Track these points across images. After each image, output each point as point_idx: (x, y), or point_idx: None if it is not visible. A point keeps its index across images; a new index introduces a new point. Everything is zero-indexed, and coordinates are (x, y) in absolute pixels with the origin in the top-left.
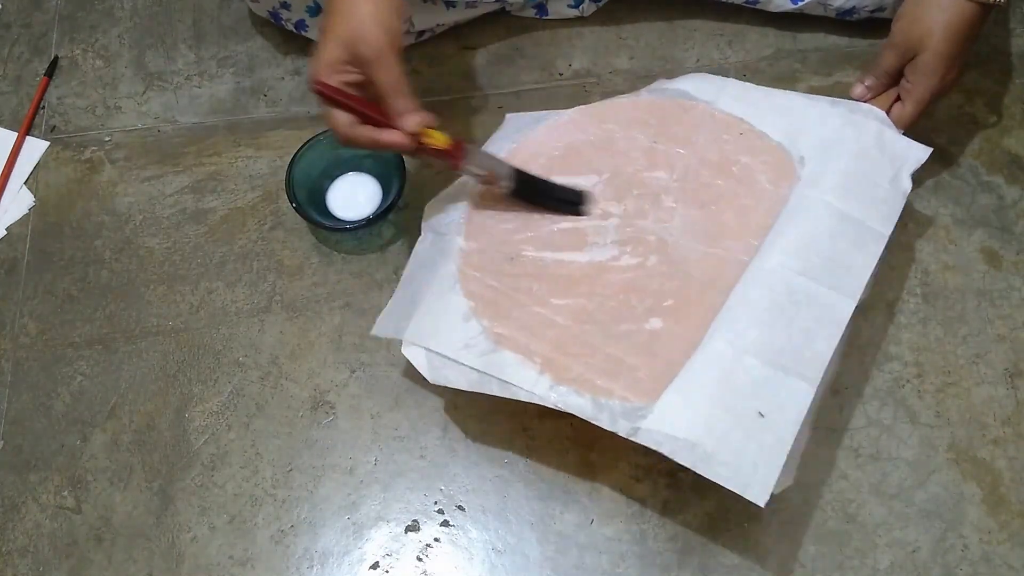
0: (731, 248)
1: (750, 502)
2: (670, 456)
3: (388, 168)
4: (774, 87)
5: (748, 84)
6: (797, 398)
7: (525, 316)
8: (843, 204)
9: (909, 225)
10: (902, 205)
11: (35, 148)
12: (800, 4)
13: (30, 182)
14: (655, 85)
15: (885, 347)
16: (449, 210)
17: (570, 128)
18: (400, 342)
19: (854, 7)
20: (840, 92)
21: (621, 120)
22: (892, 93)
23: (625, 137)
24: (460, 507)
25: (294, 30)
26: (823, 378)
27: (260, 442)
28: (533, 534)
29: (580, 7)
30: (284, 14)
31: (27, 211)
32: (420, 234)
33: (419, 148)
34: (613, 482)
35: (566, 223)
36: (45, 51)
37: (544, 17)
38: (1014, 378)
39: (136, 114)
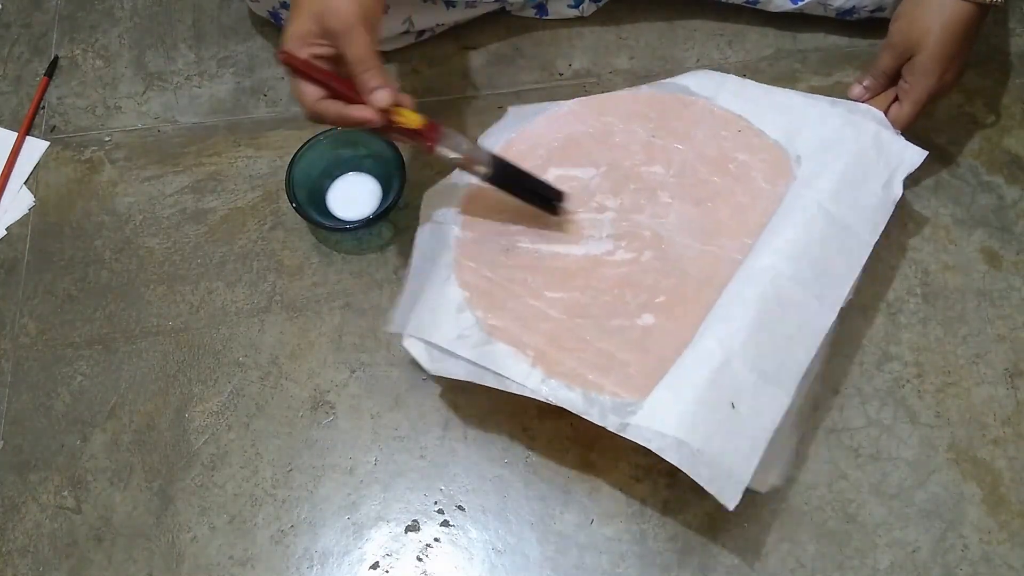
0: (726, 246)
1: (750, 502)
2: (658, 452)
3: (388, 168)
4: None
5: (748, 81)
6: (773, 406)
7: (519, 308)
8: (836, 208)
9: (909, 225)
10: (890, 213)
11: (35, 148)
12: (800, 4)
13: (30, 182)
14: (655, 82)
15: (885, 347)
16: (446, 199)
17: (570, 119)
18: (404, 345)
19: (854, 7)
20: (840, 92)
21: (621, 113)
22: (890, 93)
23: (624, 130)
24: (460, 507)
25: None
26: (801, 383)
27: (260, 442)
28: (533, 534)
29: (580, 7)
30: (284, 14)
31: (27, 211)
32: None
33: (389, 126)
34: (613, 482)
35: (562, 215)
36: (45, 51)
37: (544, 17)
38: (1014, 378)
39: (136, 114)
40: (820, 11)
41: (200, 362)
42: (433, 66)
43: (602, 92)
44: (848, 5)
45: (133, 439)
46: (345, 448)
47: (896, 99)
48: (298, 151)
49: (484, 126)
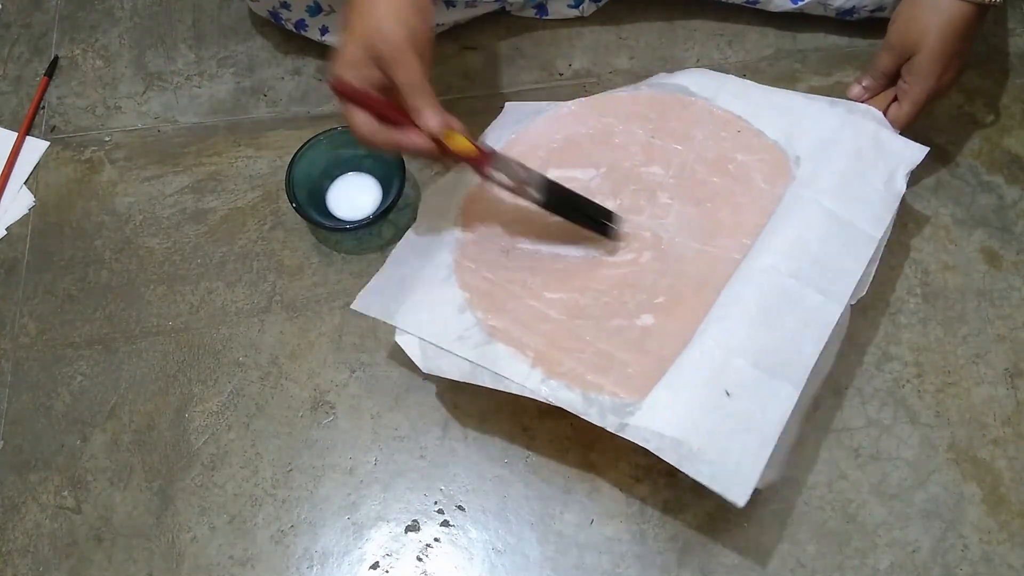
0: (725, 247)
1: (750, 502)
2: (656, 453)
3: (388, 168)
4: (774, 87)
5: (748, 82)
6: (781, 401)
7: (519, 309)
8: (836, 205)
9: (909, 225)
10: (895, 207)
11: (35, 148)
12: (800, 4)
13: (30, 182)
14: (655, 79)
15: (885, 347)
16: (446, 199)
17: (570, 120)
18: (398, 342)
19: (854, 7)
20: (840, 92)
21: (620, 114)
22: (889, 93)
23: (624, 131)
24: (460, 507)
25: (294, 30)
26: (812, 380)
27: (260, 442)
28: (533, 534)
29: (580, 7)
30: (284, 14)
31: (27, 211)
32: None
33: (442, 152)
34: (613, 482)
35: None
36: (45, 51)
37: (544, 17)
38: (1014, 378)
39: (136, 114)
40: (820, 11)
41: (200, 362)
42: (433, 66)
43: (602, 92)
44: (848, 5)
45: (133, 439)
46: (345, 448)
47: (895, 99)
48: (298, 151)
49: (484, 126)
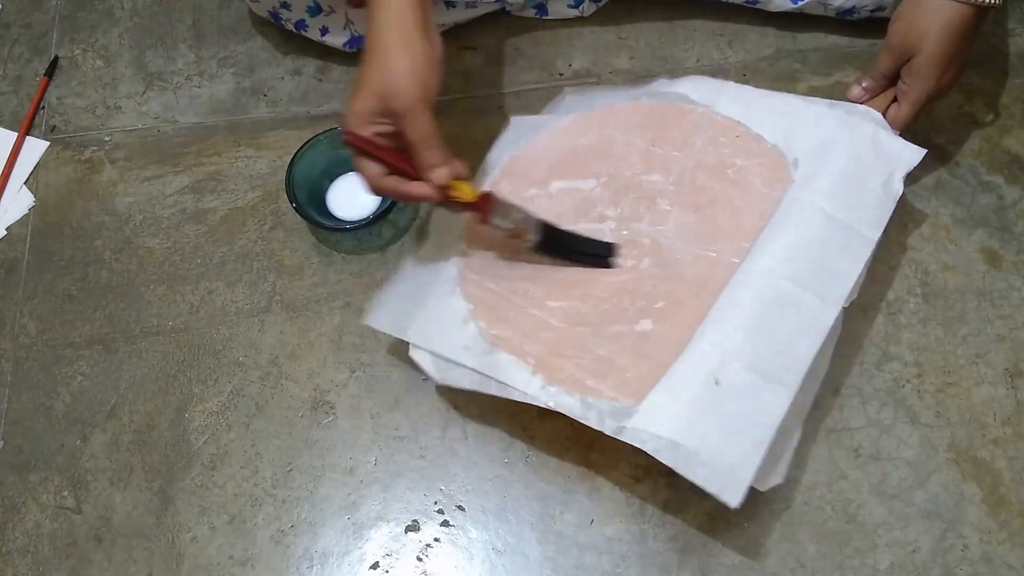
0: (723, 251)
1: (750, 502)
2: (653, 454)
3: None
4: (774, 87)
5: (746, 87)
6: (775, 403)
7: (521, 318)
8: (833, 208)
9: (909, 225)
10: (892, 209)
11: (35, 148)
12: (800, 4)
13: (30, 182)
14: (655, 87)
15: (885, 347)
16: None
17: (571, 133)
18: (402, 342)
19: (854, 7)
20: (840, 92)
21: (621, 125)
22: (889, 94)
23: (624, 141)
24: (460, 507)
25: (294, 30)
26: (807, 383)
27: (260, 442)
28: (533, 534)
29: (580, 7)
30: (284, 14)
31: (27, 211)
32: (419, 234)
33: (446, 200)
34: (613, 482)
35: (564, 225)
36: (45, 51)
37: (544, 17)
38: (1014, 378)
39: (136, 114)
40: (820, 11)
41: (200, 362)
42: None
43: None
44: (848, 5)
45: (133, 439)
46: (345, 448)
47: (895, 100)
48: (298, 151)
49: (484, 126)
